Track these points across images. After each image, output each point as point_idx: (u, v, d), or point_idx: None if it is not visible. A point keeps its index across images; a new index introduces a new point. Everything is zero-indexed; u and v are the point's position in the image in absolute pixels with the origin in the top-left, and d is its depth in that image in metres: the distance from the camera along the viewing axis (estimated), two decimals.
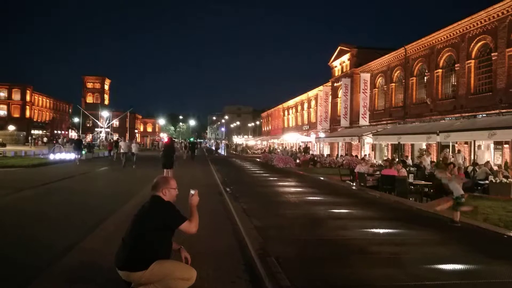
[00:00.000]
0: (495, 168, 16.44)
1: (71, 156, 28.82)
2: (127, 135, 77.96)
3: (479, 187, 14.42)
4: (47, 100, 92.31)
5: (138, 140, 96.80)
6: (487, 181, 14.11)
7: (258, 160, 29.58)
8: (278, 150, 44.71)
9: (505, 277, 5.11)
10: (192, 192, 4.21)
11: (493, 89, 20.66)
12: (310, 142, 47.62)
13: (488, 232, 7.83)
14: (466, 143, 21.98)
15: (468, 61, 22.26)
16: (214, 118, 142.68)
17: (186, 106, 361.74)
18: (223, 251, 6.19)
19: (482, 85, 21.81)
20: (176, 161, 18.48)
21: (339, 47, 41.65)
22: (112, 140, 44.53)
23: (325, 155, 38.76)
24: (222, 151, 61.58)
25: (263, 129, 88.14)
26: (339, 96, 40.23)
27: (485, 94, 21.20)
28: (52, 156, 28.15)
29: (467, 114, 21.05)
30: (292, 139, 51.34)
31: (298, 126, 57.52)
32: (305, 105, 55.81)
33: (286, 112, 67.24)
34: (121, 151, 25.05)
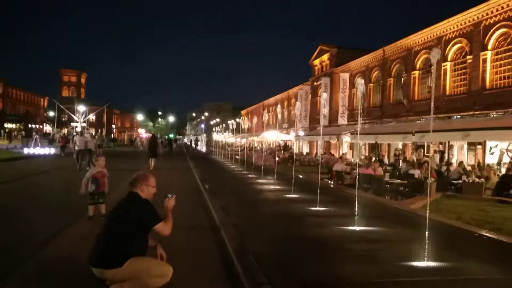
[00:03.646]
0: (468, 168, 16.90)
1: (45, 150, 28.29)
2: (103, 129, 76.61)
3: (452, 187, 14.79)
4: (22, 93, 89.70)
5: (115, 135, 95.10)
6: (460, 181, 14.47)
7: (238, 157, 29.53)
8: (258, 148, 44.75)
9: (476, 274, 5.25)
10: (169, 196, 4.19)
11: (468, 91, 21.20)
12: (289, 140, 47.79)
13: (460, 230, 8.04)
14: (440, 143, 22.49)
15: (444, 64, 22.75)
16: (194, 114, 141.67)
17: (166, 102, 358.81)
18: (201, 249, 6.16)
19: (458, 87, 22.35)
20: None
21: (319, 47, 41.93)
22: (64, 134, 39.06)
23: (304, 153, 39.02)
24: (201, 148, 61.20)
25: (242, 127, 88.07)
26: (319, 95, 40.54)
27: (460, 96, 21.74)
28: (26, 151, 27.39)
29: (442, 115, 21.54)
30: (271, 137, 51.41)
31: (278, 124, 57.68)
32: (285, 103, 55.99)
33: (266, 110, 67.29)
34: (76, 148, 18.89)
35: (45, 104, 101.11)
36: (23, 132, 68.60)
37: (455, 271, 5.36)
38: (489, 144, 19.32)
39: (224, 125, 71.19)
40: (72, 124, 75.38)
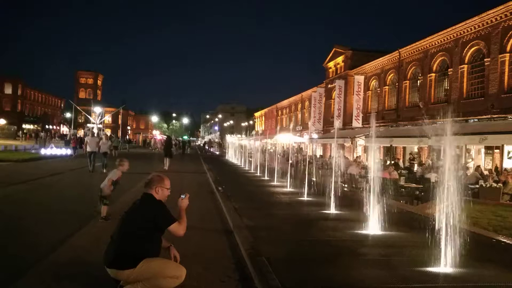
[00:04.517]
0: (486, 172, 16.59)
1: (61, 151, 28.83)
2: (119, 131, 77.48)
3: (469, 191, 14.53)
4: (39, 95, 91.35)
5: (130, 136, 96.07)
6: (477, 185, 14.22)
7: (251, 159, 29.56)
8: (271, 150, 44.63)
9: (492, 281, 5.15)
10: (182, 196, 4.21)
11: (485, 94, 20.84)
12: (303, 143, 47.59)
13: (477, 236, 7.89)
14: (457, 147, 22.11)
15: (461, 66, 22.44)
16: (208, 116, 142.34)
17: (180, 104, 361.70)
18: (214, 250, 6.18)
19: (475, 90, 21.99)
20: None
21: (334, 49, 41.76)
22: (75, 136, 39.19)
23: (318, 156, 38.85)
24: (215, 150, 61.48)
25: (256, 129, 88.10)
26: (333, 97, 40.33)
27: (477, 99, 21.38)
28: (43, 151, 27.93)
29: (459, 119, 21.18)
30: (285, 140, 51.28)
31: (292, 127, 57.53)
32: (299, 106, 55.84)
33: (279, 113, 67.21)
34: (88, 149, 18.48)
35: (63, 105, 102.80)
36: (45, 133, 69.90)
37: (472, 278, 5.27)
38: (507, 148, 18.95)
39: (237, 127, 71.46)
40: (89, 125, 76.65)
